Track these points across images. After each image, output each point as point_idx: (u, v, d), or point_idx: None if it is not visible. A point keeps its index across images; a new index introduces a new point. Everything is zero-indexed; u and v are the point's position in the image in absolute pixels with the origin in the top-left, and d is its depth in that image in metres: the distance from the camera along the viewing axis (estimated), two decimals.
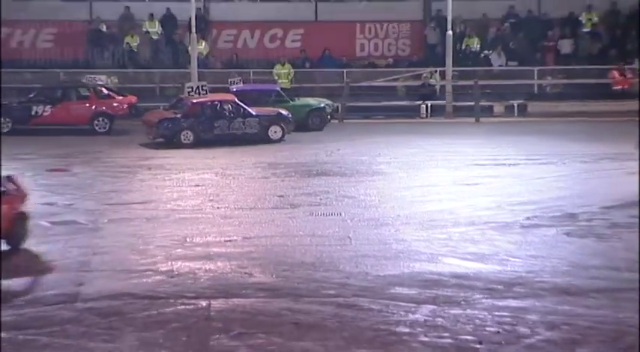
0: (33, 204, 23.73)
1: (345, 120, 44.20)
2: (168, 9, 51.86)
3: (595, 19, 52.68)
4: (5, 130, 40.52)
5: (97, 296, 18.47)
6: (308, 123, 41.72)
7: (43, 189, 29.32)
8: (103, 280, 19.67)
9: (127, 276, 19.89)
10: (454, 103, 47.40)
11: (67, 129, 40.63)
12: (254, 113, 39.16)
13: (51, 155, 35.12)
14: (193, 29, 48.07)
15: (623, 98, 47.54)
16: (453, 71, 48.18)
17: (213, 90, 42.49)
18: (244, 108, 39.11)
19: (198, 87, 43.58)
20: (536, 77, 50.00)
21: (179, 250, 22.00)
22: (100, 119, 41.82)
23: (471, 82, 47.11)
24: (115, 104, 42.59)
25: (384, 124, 43.76)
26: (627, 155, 33.90)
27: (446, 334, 16.21)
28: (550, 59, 51.41)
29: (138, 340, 16.03)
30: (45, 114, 41.69)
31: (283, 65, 49.18)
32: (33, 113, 41.69)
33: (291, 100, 42.74)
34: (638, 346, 15.16)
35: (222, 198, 28.25)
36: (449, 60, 48.22)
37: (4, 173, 22.85)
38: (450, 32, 48.43)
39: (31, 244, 22.37)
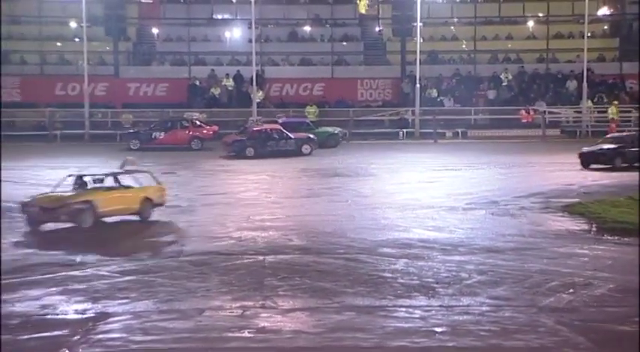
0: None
1: (350, 142, 44.21)
2: (238, 71, 52.01)
3: (510, 77, 52.63)
4: (135, 148, 40.70)
5: (193, 253, 18.55)
6: (327, 143, 41.75)
7: None
8: (197, 243, 19.74)
9: (212, 240, 19.96)
10: (420, 130, 47.37)
11: (174, 148, 40.81)
12: (292, 136, 39.22)
13: (164, 163, 35.22)
14: (254, 83, 48.23)
15: (528, 127, 47.58)
16: (419, 110, 48.16)
17: (266, 122, 42.60)
18: (286, 133, 39.20)
19: (256, 120, 43.73)
20: (472, 113, 49.95)
21: (244, 224, 22.03)
22: (195, 141, 41.93)
23: (430, 117, 47.07)
24: (204, 131, 42.68)
25: (376, 144, 43.80)
26: (529, 163, 34.04)
27: (415, 277, 16.23)
28: (481, 102, 51.37)
29: (219, 280, 16.11)
30: (160, 137, 41.84)
31: (311, 106, 49.24)
32: (153, 137, 41.85)
33: (316, 128, 42.79)
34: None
35: (271, 191, 28.33)
36: (417, 103, 48.27)
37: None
38: (417, 85, 48.51)
39: (153, 219, 22.51)
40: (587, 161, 33.02)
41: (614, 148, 32.89)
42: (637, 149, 32.54)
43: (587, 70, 48.73)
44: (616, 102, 47.70)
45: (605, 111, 48.44)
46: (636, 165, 31.05)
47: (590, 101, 48.81)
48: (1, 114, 46.58)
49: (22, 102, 50.95)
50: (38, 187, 28.45)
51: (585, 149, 33.73)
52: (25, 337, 12.75)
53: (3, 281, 15.96)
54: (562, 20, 55.30)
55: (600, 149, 33.34)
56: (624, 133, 36.45)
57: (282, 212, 23.97)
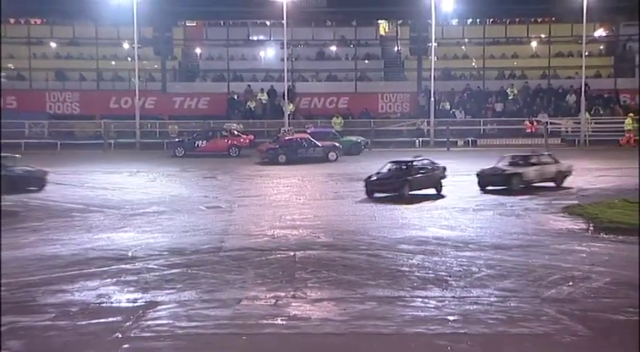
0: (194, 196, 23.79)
1: (372, 149, 44.12)
2: (272, 86, 52.09)
3: (515, 91, 52.37)
4: (179, 155, 40.82)
5: (231, 249, 18.57)
6: (351, 151, 41.63)
7: (201, 188, 29.52)
8: (234, 240, 19.76)
9: (248, 237, 19.96)
10: (435, 139, 47.15)
11: (214, 155, 40.83)
12: (320, 145, 39.12)
13: (205, 168, 35.34)
14: (286, 97, 48.29)
15: (531, 137, 47.28)
16: (434, 121, 48.02)
17: (297, 132, 42.60)
18: (314, 142, 39.12)
19: (288, 130, 43.70)
20: (482, 124, 49.69)
21: (277, 223, 22.04)
22: (233, 148, 41.89)
23: (444, 127, 46.90)
24: (241, 140, 42.66)
25: (395, 151, 43.54)
26: None
27: (430, 271, 16.18)
28: (490, 114, 51.11)
29: (254, 273, 16.12)
30: (202, 145, 41.85)
31: (337, 117, 49.13)
32: (196, 145, 41.87)
33: (341, 137, 42.65)
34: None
35: (301, 193, 28.30)
36: (432, 114, 48.14)
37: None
38: (432, 99, 48.39)
39: (191, 219, 22.51)
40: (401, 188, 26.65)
41: (401, 176, 26.88)
42: (424, 174, 27.25)
43: (585, 85, 48.50)
44: (632, 115, 46.91)
45: (601, 123, 48.16)
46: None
47: (587, 113, 48.54)
48: (60, 126, 46.99)
49: (80, 114, 51.33)
50: (94, 190, 28.73)
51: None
52: (84, 323, 12.82)
53: (63, 274, 16.08)
54: (562, 41, 55.09)
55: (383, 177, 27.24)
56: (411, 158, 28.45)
57: (310, 212, 23.94)
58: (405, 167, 27.51)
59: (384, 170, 27.76)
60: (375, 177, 27.25)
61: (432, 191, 27.22)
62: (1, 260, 16.73)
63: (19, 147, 44.07)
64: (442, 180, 27.74)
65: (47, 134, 48.25)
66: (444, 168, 28.33)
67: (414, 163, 27.64)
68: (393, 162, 28.09)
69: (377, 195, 26.57)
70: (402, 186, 26.40)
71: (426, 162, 28.35)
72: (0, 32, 47.02)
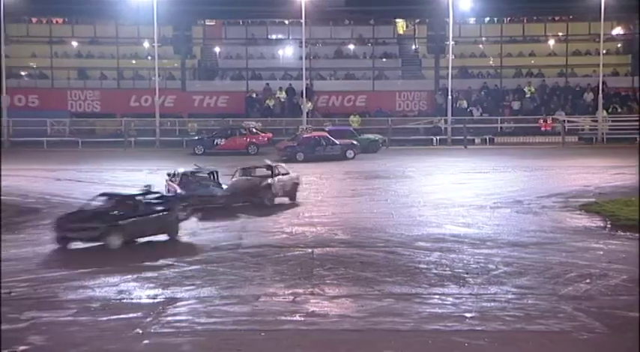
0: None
1: (389, 147, 44.02)
2: (290, 84, 52.04)
3: (532, 89, 52.08)
4: (199, 153, 40.85)
5: (250, 246, 18.63)
6: (368, 149, 41.48)
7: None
8: (253, 237, 19.80)
9: (266, 235, 20.00)
10: (452, 137, 46.97)
11: (233, 152, 40.75)
12: (337, 142, 39.01)
13: (224, 166, 35.16)
14: (304, 95, 48.30)
15: (549, 135, 47.11)
16: (451, 119, 47.88)
17: (315, 130, 42.57)
18: (332, 140, 39.04)
19: (306, 128, 43.71)
20: (499, 122, 49.46)
21: (295, 220, 22.07)
22: (252, 146, 41.78)
23: (461, 125, 46.73)
24: (260, 138, 42.60)
25: (412, 149, 43.56)
26: (550, 167, 33.64)
27: (447, 268, 16.17)
28: (507, 112, 50.86)
29: (273, 270, 16.16)
30: (221, 143, 41.80)
31: (355, 116, 49.01)
32: (215, 143, 41.83)
33: (359, 135, 42.48)
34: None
35: (319, 191, 28.28)
36: (449, 112, 47.98)
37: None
38: (449, 97, 48.23)
39: (208, 216, 22.58)
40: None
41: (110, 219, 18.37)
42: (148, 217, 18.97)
43: (603, 83, 48.18)
44: None
45: (619, 121, 47.89)
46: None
47: (605, 111, 48.22)
48: (81, 124, 47.26)
49: (101, 112, 51.53)
50: (114, 187, 28.82)
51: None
52: (105, 318, 12.90)
53: (84, 270, 16.16)
54: (580, 39, 54.72)
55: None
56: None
57: (328, 210, 23.94)
58: (125, 203, 19.16)
59: (96, 204, 19.36)
60: (71, 217, 18.72)
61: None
62: (10, 258, 16.87)
63: (41, 145, 44.44)
64: (178, 223, 19.49)
65: (69, 132, 48.46)
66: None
67: (140, 199, 19.32)
68: (106, 195, 19.77)
69: (73, 244, 18.19)
70: (106, 233, 17.91)
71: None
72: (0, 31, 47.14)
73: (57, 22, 55.95)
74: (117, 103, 51.22)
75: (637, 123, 46.31)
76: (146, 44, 53.19)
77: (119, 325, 12.53)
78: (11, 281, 15.05)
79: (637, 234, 19.09)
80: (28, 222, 21.74)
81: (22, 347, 11.56)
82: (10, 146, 43.18)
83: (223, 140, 41.96)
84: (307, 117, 47.76)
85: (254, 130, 43.24)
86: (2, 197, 23.37)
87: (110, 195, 19.74)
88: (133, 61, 54.26)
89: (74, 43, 54.72)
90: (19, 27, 53.13)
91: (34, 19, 55.07)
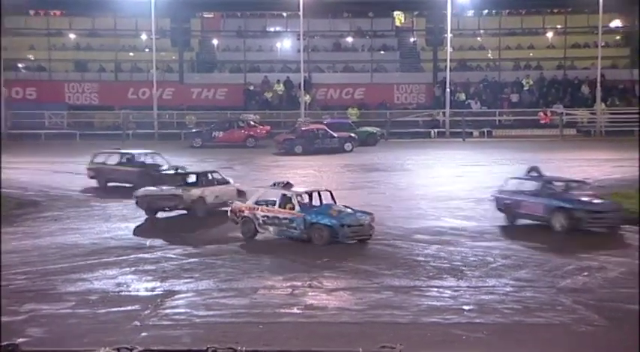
0: None
1: (388, 140, 44.03)
2: (288, 77, 51.99)
3: (531, 82, 52.03)
4: (197, 146, 40.80)
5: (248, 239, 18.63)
6: (367, 141, 41.50)
7: None
8: None
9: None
10: (450, 130, 46.97)
11: (231, 145, 40.77)
12: (336, 135, 39.01)
13: (222, 159, 35.36)
14: (302, 88, 48.27)
15: (547, 127, 47.12)
16: (449, 111, 47.86)
17: (313, 122, 42.55)
18: (330, 133, 39.03)
19: (304, 121, 43.69)
20: (497, 115, 49.46)
21: None
22: (250, 139, 41.78)
23: (459, 118, 46.70)
24: (258, 131, 42.61)
25: (410, 142, 43.54)
26: (549, 159, 33.51)
27: (445, 261, 16.18)
28: (505, 105, 50.85)
29: (271, 263, 16.17)
30: (219, 136, 41.78)
31: (353, 108, 49.02)
32: (213, 136, 41.80)
33: (357, 128, 42.52)
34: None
35: (318, 184, 28.20)
36: (447, 105, 47.96)
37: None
38: (448, 90, 48.21)
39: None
40: None
41: None
42: None
43: (601, 76, 48.09)
44: None
45: (617, 113, 47.91)
46: None
47: (603, 104, 48.21)
48: (79, 116, 47.23)
49: (99, 105, 51.47)
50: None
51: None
52: (103, 311, 12.91)
53: (83, 262, 16.17)
54: (578, 31, 54.68)
55: None
56: None
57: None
58: None
59: None
60: None
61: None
62: (9, 251, 16.86)
63: (39, 138, 44.41)
64: None
65: (66, 125, 48.42)
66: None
67: None
68: None
69: None
70: None
71: None
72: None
73: (55, 14, 55.85)
74: (115, 96, 51.15)
75: (636, 116, 46.36)
76: (144, 36, 53.10)
77: (117, 317, 12.54)
78: (10, 273, 15.06)
79: (635, 227, 19.07)
80: (28, 215, 21.74)
81: (20, 340, 11.55)
82: (8, 138, 43.11)
83: (221, 133, 41.92)
84: (305, 109, 47.72)
85: (252, 123, 43.20)
86: (2, 189, 23.38)
87: None
88: (131, 54, 54.17)
89: (72, 36, 54.63)
90: (17, 19, 53.00)
91: (31, 12, 54.94)
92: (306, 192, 18.86)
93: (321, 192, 18.95)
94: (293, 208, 17.90)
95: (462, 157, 36.04)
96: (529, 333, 11.80)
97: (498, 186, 21.55)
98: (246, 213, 18.44)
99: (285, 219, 17.94)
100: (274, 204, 18.27)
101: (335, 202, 18.44)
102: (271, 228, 18.16)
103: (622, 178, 27.89)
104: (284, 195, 18.34)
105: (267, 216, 18.16)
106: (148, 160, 26.90)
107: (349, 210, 18.13)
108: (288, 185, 18.77)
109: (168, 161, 26.63)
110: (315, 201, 18.72)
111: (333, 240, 17.34)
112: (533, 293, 13.75)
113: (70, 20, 55.21)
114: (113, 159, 26.98)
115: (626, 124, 46.25)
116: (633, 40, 53.72)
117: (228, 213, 18.97)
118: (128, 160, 26.65)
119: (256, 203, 18.73)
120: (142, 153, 27.51)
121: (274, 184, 19.21)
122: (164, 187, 21.52)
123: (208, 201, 21.37)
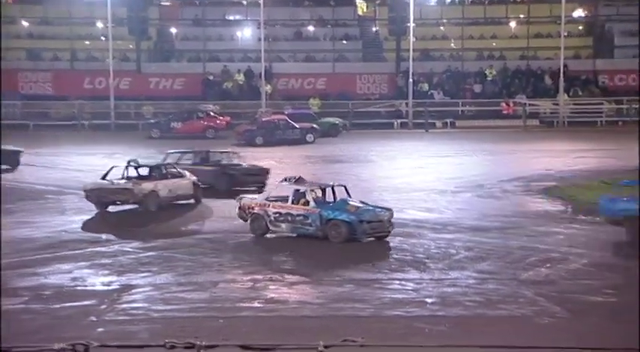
0: None
1: (350, 131, 44.07)
2: (249, 66, 51.78)
3: (494, 73, 52.39)
4: (155, 137, 40.51)
5: (208, 231, 18.58)
6: (329, 132, 41.47)
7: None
8: (211, 222, 19.73)
9: (224, 220, 19.75)
10: (413, 121, 47.13)
11: (190, 136, 40.50)
12: (297, 126, 38.96)
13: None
14: (263, 78, 48.13)
15: (510, 118, 47.51)
16: (412, 102, 48.02)
17: (274, 113, 42.46)
18: (292, 124, 38.96)
19: (265, 111, 43.57)
20: (460, 105, 49.74)
21: None
22: (210, 130, 41.51)
23: (422, 108, 46.86)
24: (218, 121, 42.41)
25: (373, 133, 43.62)
26: (512, 151, 33.93)
27: (408, 253, 16.24)
28: (468, 95, 51.14)
29: (232, 256, 16.14)
30: (178, 127, 41.52)
31: (315, 99, 48.91)
32: (171, 126, 41.51)
33: (319, 119, 42.50)
34: None
35: (279, 175, 28.16)
36: (410, 96, 48.11)
37: None
38: (411, 80, 48.35)
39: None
40: None
41: None
42: None
43: (564, 66, 48.54)
44: None
45: (580, 104, 48.48)
46: None
47: (566, 94, 48.72)
48: (33, 107, 46.73)
49: (54, 95, 50.83)
50: (68, 172, 28.52)
51: None
52: (58, 306, 12.77)
53: (37, 256, 15.98)
54: (541, 21, 55.10)
55: None
56: None
57: (288, 192, 23.81)
58: None
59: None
60: None
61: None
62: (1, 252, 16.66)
63: None
64: None
65: (19, 115, 47.77)
66: None
67: None
68: None
69: None
70: None
71: None
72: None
73: (7, 1, 55.03)
74: (70, 85, 50.51)
75: (597, 107, 46.93)
76: (100, 24, 52.53)
77: (73, 313, 12.42)
78: None
79: (598, 219, 19.26)
80: None
81: None
82: None
83: (180, 124, 41.66)
84: (266, 100, 47.57)
85: (212, 114, 42.99)
86: None
87: None
88: (87, 42, 53.57)
89: (25, 23, 53.90)
90: None
91: None
92: (319, 187, 18.21)
93: (335, 187, 18.31)
94: (306, 204, 17.36)
95: (425, 148, 36.20)
96: (491, 326, 11.88)
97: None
98: (256, 209, 17.71)
99: (300, 215, 17.22)
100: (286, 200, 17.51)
101: (350, 197, 17.87)
102: (284, 225, 17.44)
103: (585, 169, 28.23)
104: (297, 190, 17.70)
105: (280, 213, 17.44)
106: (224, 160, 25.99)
107: (367, 206, 17.58)
108: (300, 180, 18.15)
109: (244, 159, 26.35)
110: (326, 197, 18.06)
111: (351, 237, 16.78)
112: (495, 286, 13.86)
113: (21, 7, 54.47)
114: (187, 159, 25.71)
115: (589, 115, 46.84)
116: (595, 30, 54.35)
117: (236, 210, 18.35)
118: (202, 160, 25.77)
119: (266, 199, 18.11)
120: (216, 153, 26.66)
121: (285, 179, 18.61)
122: (114, 180, 21.06)
123: (161, 195, 20.97)
